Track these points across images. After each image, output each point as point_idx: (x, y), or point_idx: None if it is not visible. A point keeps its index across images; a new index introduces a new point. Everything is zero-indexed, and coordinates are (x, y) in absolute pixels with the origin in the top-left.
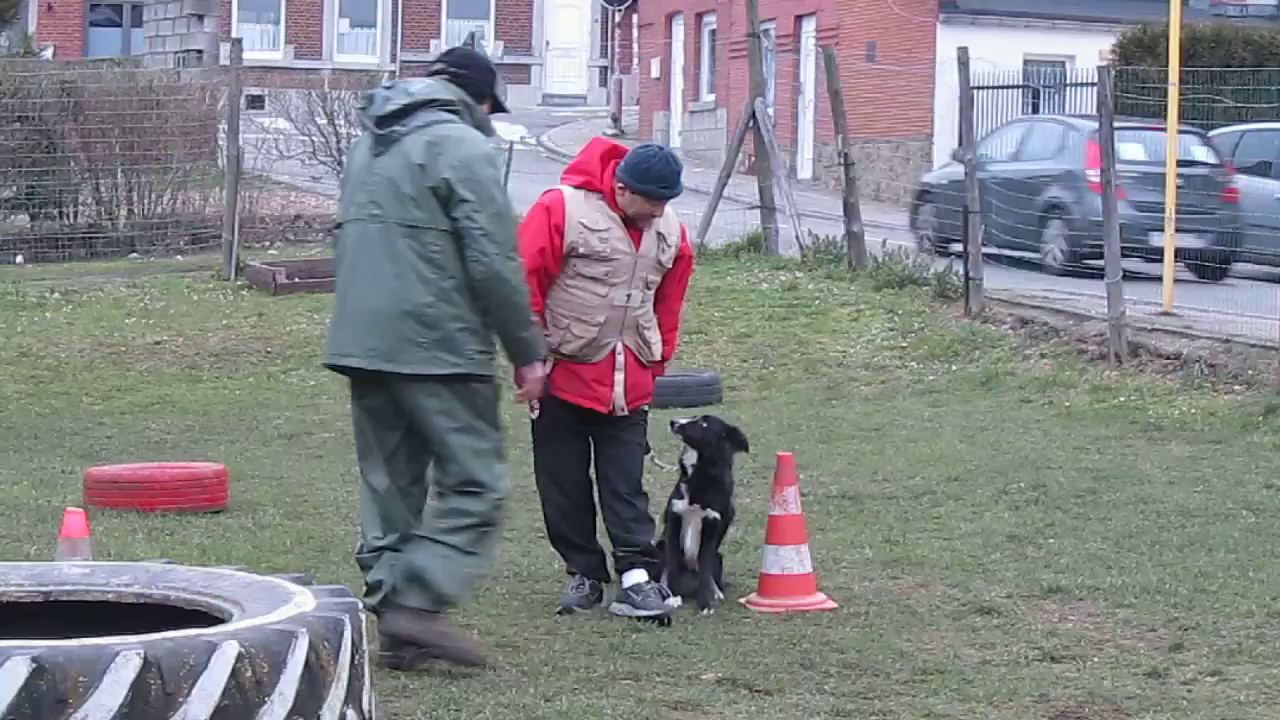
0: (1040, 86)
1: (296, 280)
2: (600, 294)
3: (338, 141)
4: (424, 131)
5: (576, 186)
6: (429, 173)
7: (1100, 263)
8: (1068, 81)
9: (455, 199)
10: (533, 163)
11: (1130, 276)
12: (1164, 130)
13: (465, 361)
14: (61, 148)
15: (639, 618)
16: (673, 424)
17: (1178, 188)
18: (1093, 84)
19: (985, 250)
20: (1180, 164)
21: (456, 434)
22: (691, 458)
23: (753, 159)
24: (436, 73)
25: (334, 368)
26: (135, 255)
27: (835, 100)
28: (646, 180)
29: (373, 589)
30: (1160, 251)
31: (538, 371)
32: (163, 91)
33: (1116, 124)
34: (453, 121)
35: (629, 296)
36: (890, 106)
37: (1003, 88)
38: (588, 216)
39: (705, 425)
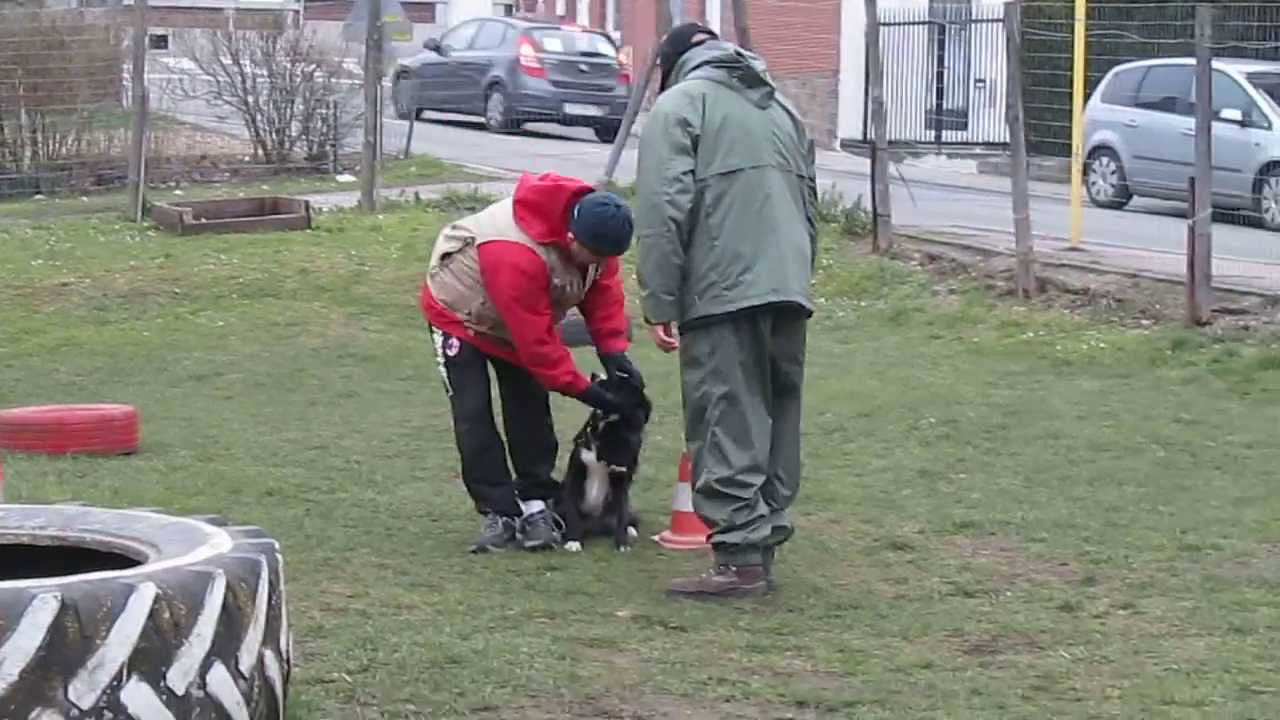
0: (946, 23)
1: (204, 220)
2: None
3: (243, 81)
4: (781, 95)
5: (541, 241)
6: (803, 134)
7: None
8: (974, 18)
9: (810, 160)
10: None
11: (549, 136)
12: (573, 28)
13: None
14: None
15: (527, 548)
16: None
17: (581, 71)
18: (999, 20)
19: (443, 118)
20: (586, 54)
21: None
22: (608, 418)
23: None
24: (709, 36)
25: (763, 307)
26: (40, 197)
27: (743, 37)
28: (602, 242)
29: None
30: (573, 118)
31: None
32: (66, 32)
33: (539, 25)
34: None
35: (569, 314)
36: (796, 44)
37: (910, 24)
38: (558, 273)
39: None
